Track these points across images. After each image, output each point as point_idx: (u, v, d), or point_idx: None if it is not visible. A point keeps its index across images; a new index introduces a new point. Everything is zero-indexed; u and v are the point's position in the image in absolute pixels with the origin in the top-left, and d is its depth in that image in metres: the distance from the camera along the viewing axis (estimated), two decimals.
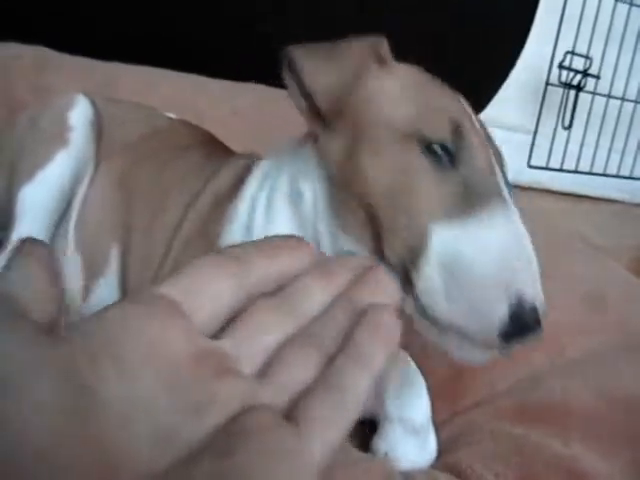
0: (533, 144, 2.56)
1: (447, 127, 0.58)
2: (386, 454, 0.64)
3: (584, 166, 2.70)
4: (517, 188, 2.38)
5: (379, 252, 0.58)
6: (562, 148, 2.61)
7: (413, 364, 0.69)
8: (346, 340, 0.38)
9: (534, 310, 0.51)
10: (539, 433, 0.67)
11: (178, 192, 0.76)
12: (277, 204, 0.67)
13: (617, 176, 2.80)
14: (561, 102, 2.57)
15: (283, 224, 0.66)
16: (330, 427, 0.35)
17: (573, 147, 2.64)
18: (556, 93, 2.57)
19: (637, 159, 2.85)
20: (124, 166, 0.82)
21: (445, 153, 0.57)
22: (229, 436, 0.32)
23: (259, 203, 0.68)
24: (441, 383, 0.73)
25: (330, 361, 0.38)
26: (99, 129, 0.84)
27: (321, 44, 0.65)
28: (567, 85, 2.56)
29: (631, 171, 2.83)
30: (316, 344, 0.38)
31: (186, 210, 0.73)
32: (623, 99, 2.74)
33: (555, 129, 2.58)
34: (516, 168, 2.51)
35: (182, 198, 0.75)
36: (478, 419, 0.70)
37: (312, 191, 0.65)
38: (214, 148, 0.87)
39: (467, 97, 0.68)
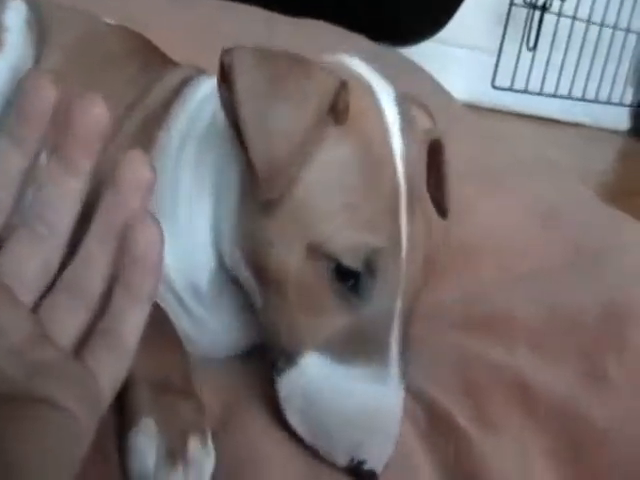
0: (497, 65, 2.53)
1: (361, 257, 0.50)
2: None
3: (549, 88, 2.68)
4: (481, 110, 2.37)
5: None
6: (527, 70, 2.58)
7: None
8: (117, 271, 0.40)
9: (372, 474, 0.50)
10: (483, 344, 0.66)
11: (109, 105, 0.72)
12: (204, 174, 0.58)
13: (582, 99, 2.78)
14: (525, 23, 2.53)
15: (206, 202, 0.57)
16: (113, 363, 0.40)
17: (538, 69, 2.61)
18: (520, 14, 2.53)
19: (602, 82, 2.83)
20: (60, 69, 0.77)
21: (353, 279, 0.50)
22: (26, 364, 0.36)
23: (187, 154, 0.60)
24: None
25: (104, 298, 0.40)
26: (39, 31, 0.80)
27: (272, 59, 0.50)
28: (532, 6, 2.52)
29: (596, 94, 2.82)
30: (80, 293, 0.40)
31: (113, 128, 0.69)
32: (589, 22, 2.71)
33: (519, 50, 2.54)
34: (480, 89, 2.49)
35: (112, 113, 0.71)
36: (422, 332, 0.69)
37: (230, 190, 0.56)
38: (152, 57, 0.81)
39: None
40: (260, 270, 0.53)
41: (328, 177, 0.51)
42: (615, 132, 2.92)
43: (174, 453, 0.45)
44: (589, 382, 0.63)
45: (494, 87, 2.55)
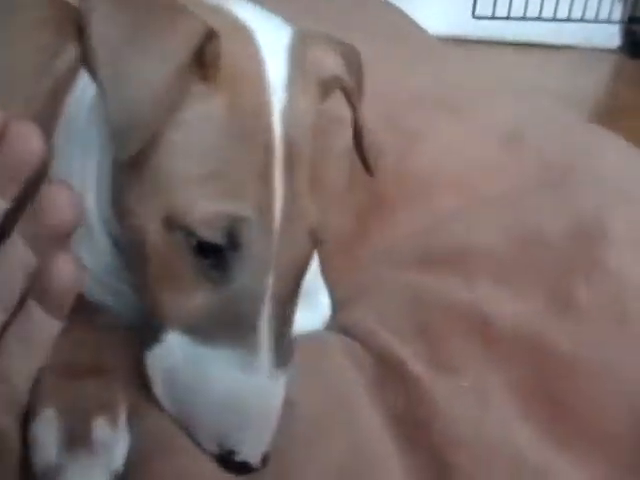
0: None
1: (221, 229, 0.45)
2: None
3: (533, 12, 2.60)
4: (464, 42, 2.30)
5: None
6: None
7: None
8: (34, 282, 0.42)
9: (246, 466, 0.46)
10: (441, 279, 0.62)
11: (24, 76, 0.68)
12: (92, 139, 0.54)
13: (568, 20, 2.70)
14: None
15: (93, 173, 0.53)
16: (26, 365, 0.43)
17: None
18: None
19: (589, 0, 2.74)
20: None
21: (214, 254, 0.45)
22: None
23: (80, 120, 0.55)
24: (339, 234, 0.69)
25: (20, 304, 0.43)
26: None
27: (132, 5, 0.44)
28: None
29: (583, 13, 2.73)
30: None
31: (27, 98, 0.65)
32: None
33: None
34: (461, 21, 2.43)
35: (29, 80, 0.67)
36: (377, 272, 0.66)
37: (105, 156, 0.51)
38: (69, 23, 0.77)
39: None
40: (124, 242, 0.50)
41: (189, 140, 0.46)
42: (607, 51, 2.84)
43: (76, 440, 0.41)
44: (555, 309, 0.60)
45: (475, 17, 2.49)
